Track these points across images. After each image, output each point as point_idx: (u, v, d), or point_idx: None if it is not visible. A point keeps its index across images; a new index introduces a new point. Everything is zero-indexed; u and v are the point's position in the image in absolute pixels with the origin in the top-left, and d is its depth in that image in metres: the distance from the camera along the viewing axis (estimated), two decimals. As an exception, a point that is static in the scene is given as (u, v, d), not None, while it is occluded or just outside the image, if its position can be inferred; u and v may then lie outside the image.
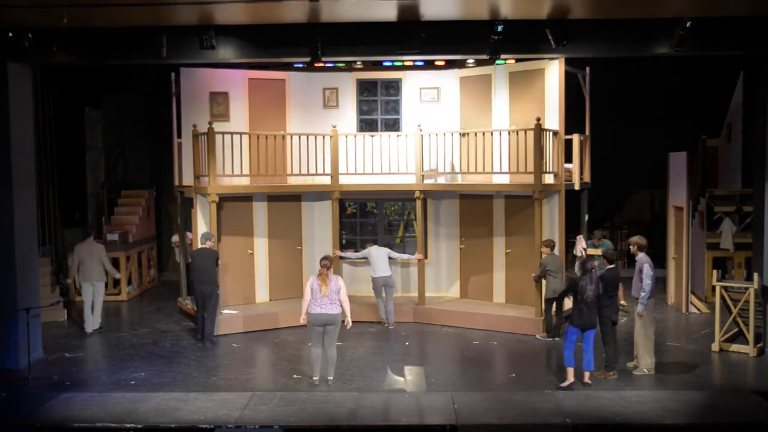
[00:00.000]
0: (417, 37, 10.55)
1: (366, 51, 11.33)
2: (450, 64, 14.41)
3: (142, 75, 18.27)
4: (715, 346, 11.35)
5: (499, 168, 13.19)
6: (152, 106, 19.07)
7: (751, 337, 11.11)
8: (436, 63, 14.29)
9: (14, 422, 8.48)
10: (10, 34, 10.20)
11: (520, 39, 10.76)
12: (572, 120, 13.50)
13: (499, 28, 10.33)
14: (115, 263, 15.98)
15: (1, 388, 9.78)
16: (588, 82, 14.16)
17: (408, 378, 10.25)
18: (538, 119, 12.29)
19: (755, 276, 11.22)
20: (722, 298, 11.41)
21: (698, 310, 14.06)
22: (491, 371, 10.80)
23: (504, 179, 13.50)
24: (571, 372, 9.55)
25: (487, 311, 13.23)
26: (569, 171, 13.39)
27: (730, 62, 15.79)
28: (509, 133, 13.07)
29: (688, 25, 10.17)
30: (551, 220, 13.10)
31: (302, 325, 10.02)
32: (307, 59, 11.18)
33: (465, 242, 14.27)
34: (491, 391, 9.57)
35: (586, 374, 9.61)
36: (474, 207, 14.12)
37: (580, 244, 13.89)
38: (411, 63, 14.26)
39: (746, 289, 11.16)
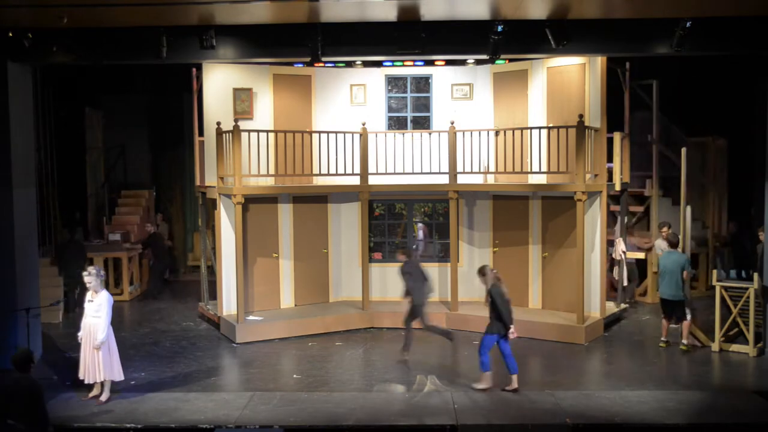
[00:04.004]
0: (417, 37, 10.54)
1: (366, 51, 11.32)
2: (482, 60, 13.41)
3: (143, 75, 18.29)
4: (715, 346, 11.34)
5: (538, 167, 12.87)
6: (152, 106, 19.10)
7: (751, 337, 11.11)
8: (437, 63, 14.17)
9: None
10: (10, 34, 10.21)
11: (520, 39, 10.75)
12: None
13: (499, 28, 10.34)
14: (117, 263, 16.01)
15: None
16: (628, 77, 13.81)
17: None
18: (581, 116, 11.87)
19: (755, 276, 11.22)
20: (722, 298, 11.40)
21: (699, 342, 11.76)
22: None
23: (541, 179, 13.16)
24: (488, 376, 9.51)
25: (525, 318, 12.47)
26: (609, 171, 13.08)
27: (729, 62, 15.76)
28: (548, 131, 12.57)
29: (688, 25, 10.19)
30: (592, 222, 12.71)
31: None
32: (307, 59, 11.19)
33: (498, 245, 13.84)
34: (491, 391, 9.55)
35: (514, 378, 9.49)
36: (508, 208, 13.62)
37: (620, 247, 13.58)
38: (411, 63, 14.16)
39: (746, 289, 11.16)
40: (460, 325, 13.01)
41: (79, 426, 8.46)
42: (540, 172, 12.89)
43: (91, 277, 9.13)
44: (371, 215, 14.13)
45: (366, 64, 14.17)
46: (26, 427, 7.01)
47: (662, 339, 11.72)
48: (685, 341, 11.42)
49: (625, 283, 13.95)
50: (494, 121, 14.04)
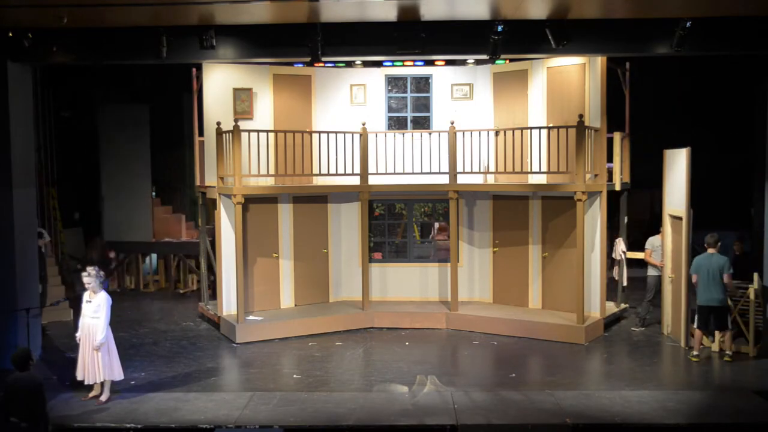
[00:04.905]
0: (417, 37, 10.54)
1: (366, 51, 11.32)
2: (482, 60, 13.33)
3: (143, 74, 18.27)
4: (715, 346, 11.33)
5: (538, 167, 12.87)
6: (152, 106, 19.07)
7: (751, 337, 11.10)
8: (437, 63, 14.16)
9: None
10: (10, 34, 10.21)
11: (520, 39, 10.75)
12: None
13: (499, 28, 10.35)
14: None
15: (1, 388, 9.76)
16: (628, 78, 13.79)
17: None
18: (581, 116, 11.81)
19: (755, 276, 11.22)
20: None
21: (703, 345, 11.37)
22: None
23: (541, 179, 13.17)
24: None
25: (525, 318, 12.60)
26: (609, 171, 13.04)
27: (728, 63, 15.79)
28: (548, 131, 12.54)
29: (688, 25, 10.19)
30: (592, 222, 12.73)
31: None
32: (307, 59, 11.19)
33: (498, 245, 13.84)
34: (491, 391, 9.57)
35: None
36: (508, 208, 13.61)
37: (620, 247, 13.51)
38: (411, 63, 14.16)
39: (746, 289, 11.16)
40: (461, 325, 12.99)
41: (79, 426, 8.46)
42: (540, 172, 12.88)
43: (90, 277, 9.14)
44: (371, 215, 14.13)
45: (366, 64, 14.16)
46: (28, 426, 7.04)
47: (694, 353, 10.91)
48: (729, 351, 10.83)
49: (625, 283, 13.91)
50: (494, 121, 14.03)
